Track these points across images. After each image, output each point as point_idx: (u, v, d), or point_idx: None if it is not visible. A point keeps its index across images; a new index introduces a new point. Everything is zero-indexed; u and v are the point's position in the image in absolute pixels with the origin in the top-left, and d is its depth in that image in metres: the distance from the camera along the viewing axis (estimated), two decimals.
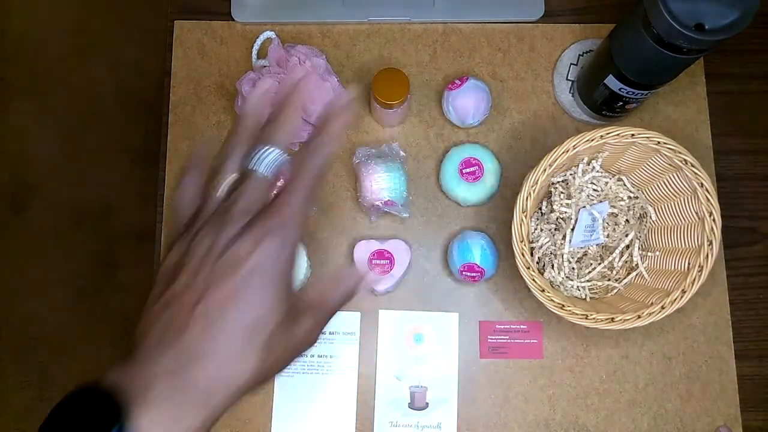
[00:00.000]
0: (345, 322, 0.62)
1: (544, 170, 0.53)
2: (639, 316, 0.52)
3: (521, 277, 0.53)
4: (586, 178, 0.58)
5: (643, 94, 0.56)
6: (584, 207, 0.58)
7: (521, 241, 0.53)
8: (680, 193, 0.56)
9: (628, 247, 0.60)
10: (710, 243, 0.53)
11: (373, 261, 0.59)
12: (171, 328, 0.29)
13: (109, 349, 1.28)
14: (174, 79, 0.66)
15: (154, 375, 0.28)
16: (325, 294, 0.35)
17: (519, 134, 0.65)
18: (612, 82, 0.55)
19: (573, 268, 0.59)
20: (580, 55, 0.66)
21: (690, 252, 0.55)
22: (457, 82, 0.61)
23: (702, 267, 0.53)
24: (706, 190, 0.53)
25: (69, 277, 1.30)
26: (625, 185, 0.60)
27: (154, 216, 0.64)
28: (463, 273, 0.58)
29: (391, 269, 0.59)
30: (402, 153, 0.62)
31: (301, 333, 0.32)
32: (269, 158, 0.32)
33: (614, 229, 0.59)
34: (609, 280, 0.60)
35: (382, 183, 0.59)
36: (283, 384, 0.61)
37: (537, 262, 0.60)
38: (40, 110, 1.36)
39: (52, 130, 1.36)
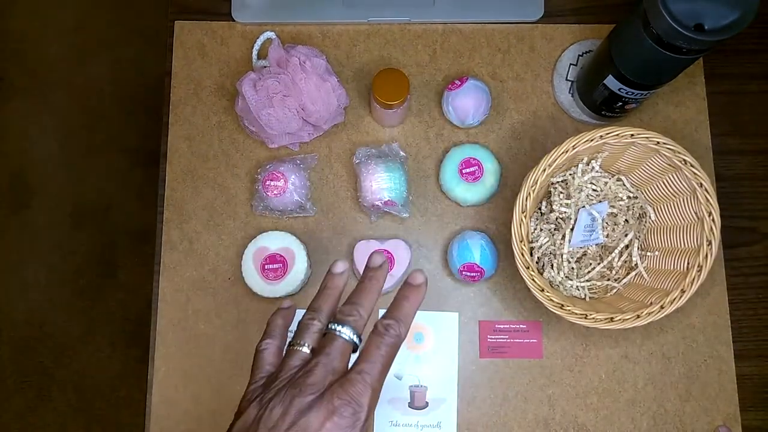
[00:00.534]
0: None
1: (544, 170, 0.53)
2: (638, 316, 0.52)
3: (521, 276, 0.54)
4: (585, 178, 0.59)
5: (642, 94, 0.56)
6: (584, 207, 0.58)
7: (521, 241, 0.53)
8: (679, 193, 0.56)
9: (627, 246, 0.60)
10: (709, 243, 0.53)
11: None
12: None
13: (109, 349, 1.28)
14: (174, 79, 0.67)
15: None
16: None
17: (519, 134, 0.65)
18: (611, 82, 0.55)
19: (572, 268, 0.59)
20: (579, 55, 0.66)
21: (689, 252, 0.55)
22: (457, 82, 0.62)
23: (701, 267, 0.53)
24: (706, 190, 0.53)
25: (69, 277, 1.30)
26: (624, 185, 0.60)
27: (154, 216, 0.64)
28: (463, 273, 0.59)
29: (391, 269, 0.59)
30: (402, 153, 0.62)
31: None
32: (346, 336, 0.35)
33: (613, 229, 0.59)
34: (608, 279, 0.60)
35: (382, 183, 0.59)
36: None
37: (536, 262, 0.60)
38: (40, 110, 1.37)
39: (52, 130, 1.36)
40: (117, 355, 1.28)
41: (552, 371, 0.61)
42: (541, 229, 0.60)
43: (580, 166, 0.59)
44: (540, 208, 0.61)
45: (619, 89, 0.56)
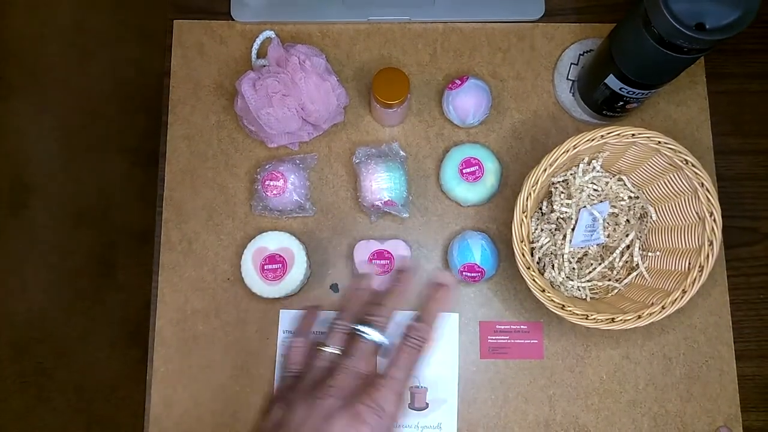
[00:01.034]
0: None
1: (545, 170, 0.53)
2: (639, 317, 0.52)
3: (521, 277, 0.53)
4: (586, 177, 0.58)
5: (643, 93, 0.56)
6: (585, 207, 0.58)
7: (521, 241, 0.53)
8: (681, 193, 0.56)
9: (628, 247, 0.59)
10: (711, 243, 0.53)
11: (373, 261, 0.59)
12: None
13: (109, 349, 1.28)
14: (173, 78, 0.66)
15: None
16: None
17: (519, 134, 0.65)
18: (612, 81, 0.55)
19: (573, 269, 0.59)
20: (580, 54, 0.66)
21: (690, 252, 0.55)
22: (458, 81, 0.61)
23: (702, 267, 0.52)
24: (707, 189, 0.53)
25: (68, 277, 1.30)
26: (625, 185, 0.60)
27: (153, 216, 0.64)
28: (464, 273, 0.58)
29: (391, 269, 0.59)
30: (402, 153, 0.62)
31: None
32: (371, 337, 0.35)
33: (615, 229, 0.59)
34: (609, 280, 0.60)
35: (382, 183, 0.59)
36: None
37: (537, 262, 0.60)
38: (39, 110, 1.36)
39: (51, 129, 1.36)
40: (116, 356, 1.28)
41: (553, 372, 0.61)
42: (542, 230, 0.60)
43: (581, 165, 0.58)
44: (541, 208, 0.61)
45: (620, 89, 0.55)
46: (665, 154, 0.54)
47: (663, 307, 0.52)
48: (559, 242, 0.58)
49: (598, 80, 0.57)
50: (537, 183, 0.53)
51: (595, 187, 0.59)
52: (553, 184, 0.59)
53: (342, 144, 0.65)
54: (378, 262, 0.59)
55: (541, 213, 0.61)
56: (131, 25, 1.38)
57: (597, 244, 0.59)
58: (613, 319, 0.52)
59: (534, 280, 0.53)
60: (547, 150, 0.54)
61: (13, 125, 1.36)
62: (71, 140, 1.35)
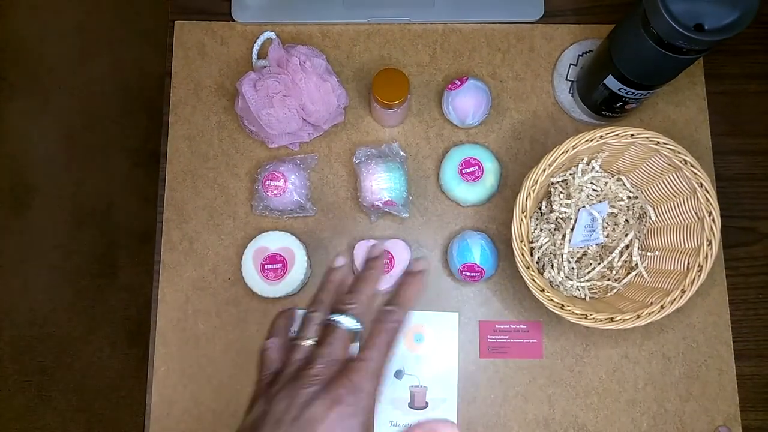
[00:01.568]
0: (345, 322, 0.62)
1: (544, 170, 0.53)
2: (638, 316, 0.52)
3: (521, 276, 0.54)
4: (585, 178, 0.59)
5: (642, 94, 0.56)
6: (584, 207, 0.58)
7: (521, 241, 0.53)
8: (680, 193, 0.56)
9: (627, 247, 0.60)
10: (709, 243, 0.53)
11: None
12: None
13: (109, 348, 1.28)
14: (174, 79, 0.67)
15: None
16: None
17: (519, 134, 0.65)
18: (611, 82, 0.55)
19: (572, 268, 0.59)
20: (579, 55, 0.66)
21: (689, 252, 0.55)
22: (457, 82, 0.62)
23: (701, 267, 0.53)
24: (706, 190, 0.53)
25: (70, 277, 1.31)
26: (624, 185, 0.60)
27: (154, 216, 0.64)
28: (463, 273, 0.59)
29: (391, 269, 0.59)
30: (402, 153, 0.62)
31: None
32: (346, 325, 0.35)
33: (614, 229, 0.59)
34: (608, 279, 0.60)
35: (382, 183, 0.59)
36: None
37: (537, 262, 0.60)
38: (40, 110, 1.37)
39: (52, 130, 1.36)
40: (117, 355, 1.28)
41: (552, 371, 0.61)
42: (542, 229, 0.60)
43: (580, 166, 0.59)
44: (540, 208, 0.61)
45: (619, 89, 0.56)
46: (664, 155, 0.54)
47: (662, 307, 0.52)
48: (559, 242, 0.58)
49: (597, 81, 0.57)
50: (536, 183, 0.53)
51: (594, 187, 0.59)
52: (552, 184, 0.59)
53: (342, 144, 0.65)
54: None
55: (541, 213, 0.61)
56: (132, 26, 1.39)
57: (596, 244, 0.59)
58: (612, 318, 0.53)
59: (533, 279, 0.53)
60: (547, 150, 0.54)
61: (15, 126, 1.36)
62: (73, 141, 1.35)
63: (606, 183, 0.60)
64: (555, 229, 0.60)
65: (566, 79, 0.66)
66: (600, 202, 0.59)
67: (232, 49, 0.67)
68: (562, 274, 0.58)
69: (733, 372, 0.61)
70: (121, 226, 1.32)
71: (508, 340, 0.61)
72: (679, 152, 0.54)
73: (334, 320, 0.36)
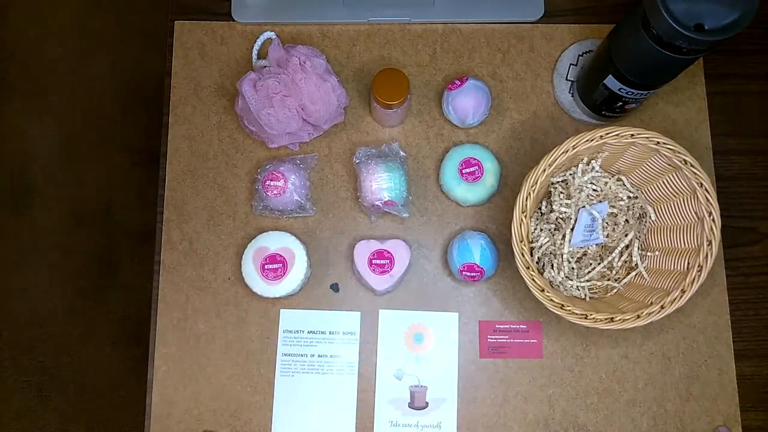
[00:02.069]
0: (345, 322, 0.62)
1: (544, 170, 0.53)
2: (638, 316, 0.52)
3: (521, 276, 0.54)
4: (585, 178, 0.59)
5: (642, 94, 0.56)
6: (584, 207, 0.58)
7: (521, 241, 0.53)
8: (680, 193, 0.56)
9: (627, 246, 0.60)
10: (709, 243, 0.53)
11: (373, 261, 0.60)
12: None
13: (109, 348, 1.28)
14: (174, 79, 0.67)
15: None
16: None
17: (519, 134, 0.65)
18: (611, 82, 0.55)
19: (572, 268, 0.59)
20: (579, 55, 0.66)
21: (689, 252, 0.55)
22: (457, 82, 0.62)
23: (701, 267, 0.53)
24: (706, 190, 0.53)
25: (69, 277, 1.30)
26: (624, 185, 0.60)
27: (154, 216, 0.64)
28: (463, 273, 0.59)
29: (391, 269, 0.59)
30: (402, 153, 0.62)
31: None
32: None
33: (614, 228, 0.59)
34: (608, 279, 0.60)
35: (382, 183, 0.59)
36: (283, 384, 0.61)
37: (537, 262, 0.60)
38: (40, 110, 1.37)
39: (52, 130, 1.36)
40: (117, 355, 1.28)
41: (552, 371, 0.61)
42: (542, 229, 0.60)
43: (580, 166, 0.59)
44: (540, 208, 0.61)
45: (619, 89, 0.56)
46: (664, 155, 0.54)
47: (662, 307, 0.52)
48: (559, 242, 0.58)
49: (597, 81, 0.57)
50: (536, 183, 0.53)
51: (594, 187, 0.59)
52: (552, 184, 0.59)
53: (342, 144, 0.65)
54: (378, 261, 0.59)
55: (541, 213, 0.61)
56: (132, 25, 1.39)
57: (596, 244, 0.59)
58: (612, 318, 0.53)
59: (533, 279, 0.53)
60: (547, 150, 0.54)
61: (15, 126, 1.36)
62: (73, 140, 1.35)
63: (606, 183, 0.60)
64: (555, 229, 0.60)
65: (566, 79, 0.66)
66: (600, 202, 0.59)
67: (232, 49, 0.67)
68: (562, 274, 0.58)
69: (733, 372, 0.61)
70: (120, 226, 1.32)
71: (508, 340, 0.61)
72: (679, 152, 0.53)
73: None
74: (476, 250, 0.58)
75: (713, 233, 0.53)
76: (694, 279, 0.53)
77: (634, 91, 0.55)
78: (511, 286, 0.62)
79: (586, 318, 0.53)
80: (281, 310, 0.62)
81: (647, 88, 0.55)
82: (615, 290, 0.59)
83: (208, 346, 0.62)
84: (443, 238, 0.63)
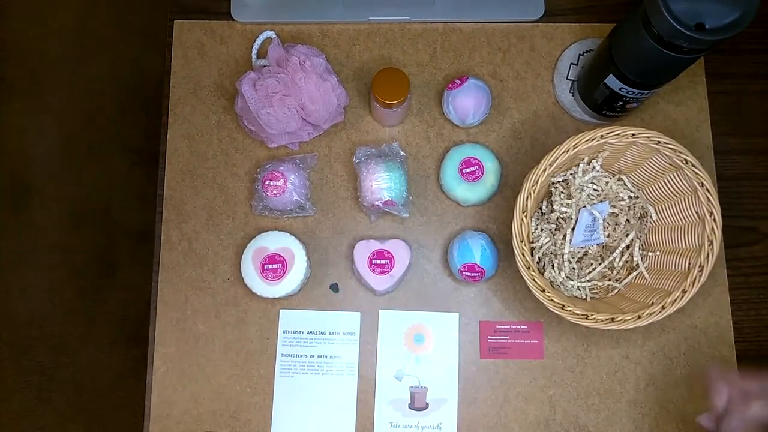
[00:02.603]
0: (345, 322, 0.62)
1: (545, 170, 0.53)
2: (639, 316, 0.52)
3: (521, 277, 0.53)
4: (586, 177, 0.58)
5: (643, 93, 0.56)
6: (584, 207, 0.58)
7: (521, 241, 0.53)
8: (681, 192, 0.56)
9: (628, 246, 0.59)
10: (711, 243, 0.53)
11: (373, 261, 0.59)
12: None
13: (109, 348, 1.28)
14: (174, 78, 0.66)
15: None
16: None
17: (519, 134, 0.65)
18: (612, 81, 0.55)
19: (573, 268, 0.59)
20: (580, 54, 0.66)
21: (690, 252, 0.55)
22: (457, 81, 0.61)
23: (702, 267, 0.52)
24: (707, 189, 0.53)
25: (69, 277, 1.30)
26: (625, 185, 0.60)
27: (153, 216, 0.64)
28: (464, 273, 0.58)
29: (391, 269, 0.59)
30: (402, 153, 0.62)
31: None
32: None
33: (615, 228, 0.59)
34: (609, 280, 0.60)
35: (382, 183, 0.59)
36: (283, 384, 0.61)
37: (537, 262, 0.60)
38: (39, 110, 1.36)
39: (51, 129, 1.36)
40: (116, 355, 1.28)
41: (553, 372, 0.61)
42: (542, 229, 0.60)
43: (581, 165, 0.58)
44: (541, 208, 0.61)
45: (619, 89, 0.55)
46: (665, 154, 0.54)
47: (663, 307, 0.52)
48: (559, 242, 0.58)
49: (597, 80, 0.57)
50: (537, 183, 0.53)
51: (595, 186, 0.59)
52: (553, 183, 0.59)
53: (342, 144, 0.65)
54: (378, 261, 0.59)
55: (541, 213, 0.61)
56: (132, 25, 1.39)
57: (597, 244, 0.59)
58: (613, 319, 0.52)
59: (534, 280, 0.53)
60: (547, 150, 0.54)
61: (14, 125, 1.36)
62: (72, 140, 1.35)
63: (607, 183, 0.59)
64: (556, 229, 0.60)
65: (567, 79, 0.65)
66: (601, 201, 0.59)
67: (232, 49, 0.67)
68: (562, 274, 0.58)
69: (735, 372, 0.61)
70: (120, 225, 1.32)
71: (509, 341, 0.61)
72: (680, 152, 0.53)
73: None
74: (477, 250, 0.58)
75: (714, 233, 0.53)
76: (695, 279, 0.52)
77: (634, 90, 0.55)
78: (512, 286, 0.62)
79: (587, 318, 0.52)
80: (281, 310, 0.62)
81: (648, 88, 0.55)
82: (616, 290, 0.59)
83: (207, 347, 0.61)
84: (443, 238, 0.63)
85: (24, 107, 1.37)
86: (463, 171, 0.61)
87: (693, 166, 0.53)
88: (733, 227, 0.64)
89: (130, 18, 1.39)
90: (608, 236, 0.59)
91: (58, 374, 1.27)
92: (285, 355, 0.61)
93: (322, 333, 0.62)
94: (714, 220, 0.53)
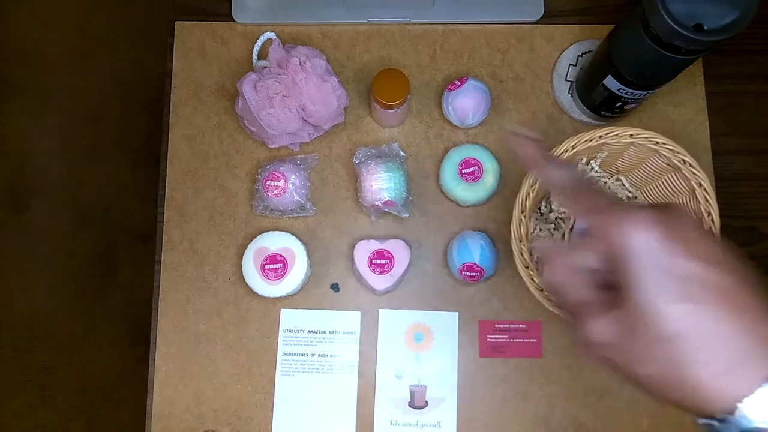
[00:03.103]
0: (345, 322, 0.62)
1: None
2: None
3: (520, 276, 0.54)
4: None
5: (641, 94, 0.56)
6: None
7: (520, 241, 0.53)
8: (679, 193, 0.56)
9: None
10: None
11: (373, 261, 0.60)
12: None
13: (110, 348, 1.28)
14: (175, 79, 0.67)
15: None
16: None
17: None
18: (611, 82, 0.55)
19: None
20: (579, 55, 0.66)
21: None
22: (457, 82, 0.62)
23: None
24: (705, 190, 0.53)
25: (70, 277, 1.31)
26: (623, 185, 0.60)
27: (154, 216, 0.64)
28: (463, 273, 0.59)
29: (391, 269, 0.60)
30: (402, 153, 0.62)
31: None
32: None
33: None
34: None
35: (382, 183, 0.59)
36: (284, 383, 0.61)
37: (536, 262, 0.60)
38: (41, 111, 1.37)
39: (53, 130, 1.36)
40: (118, 355, 1.28)
41: (552, 370, 0.61)
42: (541, 229, 0.60)
43: (580, 166, 0.59)
44: (539, 208, 0.61)
45: (618, 89, 0.56)
46: (663, 155, 0.54)
47: None
48: (558, 242, 0.58)
49: (596, 81, 0.57)
50: (536, 183, 0.53)
51: None
52: None
53: (342, 144, 0.65)
54: (378, 261, 0.60)
55: (540, 213, 0.61)
56: (133, 26, 1.39)
57: None
58: None
59: (533, 279, 0.53)
60: (546, 151, 0.54)
61: (16, 126, 1.36)
62: (73, 141, 1.36)
63: (605, 183, 0.60)
64: (554, 229, 0.60)
65: (566, 80, 0.66)
66: None
67: (233, 50, 0.67)
68: None
69: None
70: (121, 226, 1.33)
71: (508, 340, 0.62)
72: (678, 152, 0.54)
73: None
74: (476, 250, 0.58)
75: (712, 233, 0.53)
76: None
77: (633, 91, 0.55)
78: (511, 285, 0.63)
79: None
80: (282, 309, 0.62)
81: (646, 89, 0.55)
82: None
83: (208, 346, 0.62)
84: (443, 238, 0.64)
85: (25, 108, 1.37)
86: (463, 171, 0.61)
87: (691, 166, 0.53)
88: (731, 227, 0.64)
89: (131, 19, 1.39)
90: None
91: (60, 373, 1.27)
92: (286, 354, 0.61)
93: (323, 332, 0.62)
94: (712, 220, 0.53)
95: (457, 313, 0.62)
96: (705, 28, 0.45)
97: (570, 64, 0.66)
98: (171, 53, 0.67)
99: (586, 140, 0.54)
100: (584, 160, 0.59)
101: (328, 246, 0.63)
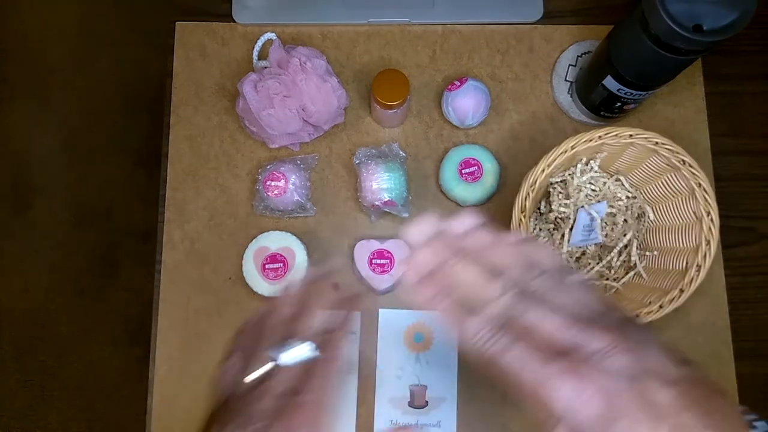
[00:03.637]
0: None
1: (543, 170, 0.54)
2: (637, 316, 0.52)
3: None
4: (584, 178, 0.59)
5: (641, 94, 0.56)
6: (582, 207, 0.58)
7: None
8: (678, 193, 0.56)
9: (626, 246, 0.60)
10: (708, 243, 0.53)
11: (373, 261, 0.60)
12: None
13: (110, 348, 1.28)
14: (175, 80, 0.67)
15: None
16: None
17: (518, 135, 0.66)
18: (610, 83, 0.56)
19: (571, 268, 0.59)
20: (578, 56, 0.66)
21: (688, 251, 0.55)
22: (457, 83, 0.62)
23: (700, 266, 0.53)
24: (704, 190, 0.53)
25: (71, 277, 1.31)
26: (623, 185, 0.60)
27: (155, 216, 0.64)
28: None
29: (391, 269, 0.60)
30: (402, 153, 0.63)
31: None
32: (298, 352, 0.35)
33: (612, 228, 0.60)
34: (607, 279, 0.60)
35: (382, 183, 0.59)
36: None
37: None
38: (42, 111, 1.37)
39: (54, 130, 1.36)
40: (118, 355, 1.28)
41: None
42: (540, 229, 0.60)
43: (579, 166, 0.59)
44: (539, 208, 0.61)
45: (617, 90, 0.56)
46: (663, 155, 0.54)
47: (660, 307, 0.52)
48: (557, 242, 0.59)
49: (596, 81, 0.58)
50: (535, 183, 0.54)
51: (593, 187, 0.60)
52: (551, 184, 0.60)
53: (342, 145, 0.66)
54: (378, 261, 0.60)
55: (540, 213, 0.61)
56: (134, 27, 1.39)
57: (595, 244, 0.59)
58: None
59: None
60: (546, 151, 0.54)
61: (17, 126, 1.37)
62: (74, 141, 1.36)
63: (605, 183, 0.60)
64: (554, 229, 0.60)
65: (565, 80, 0.66)
66: (599, 202, 0.59)
67: (233, 50, 0.67)
68: None
69: (733, 372, 0.61)
70: (122, 226, 1.33)
71: None
72: (677, 152, 0.54)
73: (290, 344, 0.34)
74: None
75: (712, 233, 0.53)
76: (692, 279, 0.53)
77: (632, 91, 0.55)
78: None
79: None
80: None
81: (646, 89, 0.55)
82: (614, 290, 0.59)
83: (209, 346, 0.62)
84: None
85: (26, 108, 1.37)
86: (463, 171, 0.61)
87: (690, 166, 0.54)
88: (730, 227, 0.64)
89: (131, 19, 1.39)
90: (606, 236, 0.59)
91: (61, 373, 1.28)
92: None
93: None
94: (711, 220, 0.53)
95: None
96: (704, 28, 0.45)
97: (569, 65, 0.66)
98: (171, 53, 0.67)
99: (585, 140, 0.54)
100: (584, 160, 0.59)
101: (328, 246, 0.64)
